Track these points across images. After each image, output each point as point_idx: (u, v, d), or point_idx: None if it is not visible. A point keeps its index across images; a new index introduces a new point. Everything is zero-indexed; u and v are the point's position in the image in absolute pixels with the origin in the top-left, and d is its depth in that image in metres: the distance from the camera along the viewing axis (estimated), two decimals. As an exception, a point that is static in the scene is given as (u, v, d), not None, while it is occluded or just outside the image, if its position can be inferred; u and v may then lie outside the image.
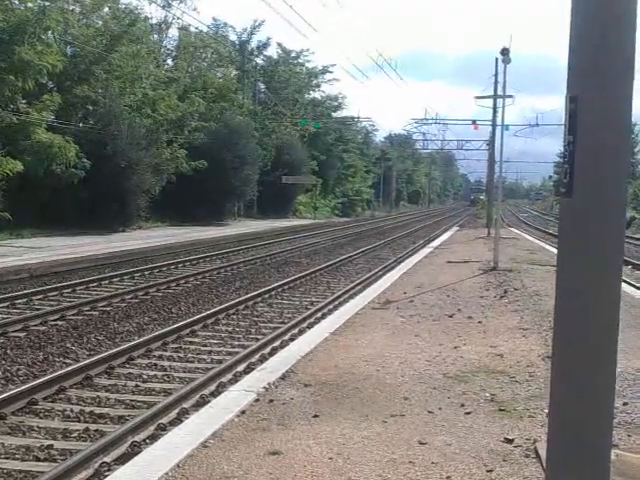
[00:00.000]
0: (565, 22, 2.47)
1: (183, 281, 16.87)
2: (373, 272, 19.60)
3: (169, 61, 47.26)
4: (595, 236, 2.41)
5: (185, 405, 7.30)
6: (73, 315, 12.24)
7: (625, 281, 15.24)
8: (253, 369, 7.95)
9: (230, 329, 11.65)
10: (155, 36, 44.69)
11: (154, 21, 43.50)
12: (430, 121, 53.04)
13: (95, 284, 16.04)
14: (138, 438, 6.26)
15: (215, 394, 7.41)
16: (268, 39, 58.93)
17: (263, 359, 8.96)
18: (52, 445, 6.15)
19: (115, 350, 9.43)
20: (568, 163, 2.44)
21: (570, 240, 2.51)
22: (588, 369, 2.53)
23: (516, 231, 39.43)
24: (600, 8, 2.35)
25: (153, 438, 6.14)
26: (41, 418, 7.03)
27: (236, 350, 10.04)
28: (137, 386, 8.22)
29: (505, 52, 19.93)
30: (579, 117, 2.40)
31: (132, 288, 15.29)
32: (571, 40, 2.44)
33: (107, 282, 16.47)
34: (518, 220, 68.03)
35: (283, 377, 6.55)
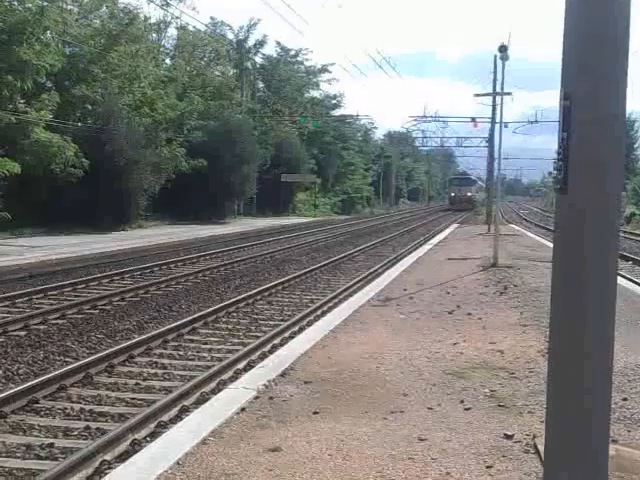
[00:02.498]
0: (561, 18, 2.48)
1: (183, 279, 16.87)
2: (373, 269, 19.59)
3: (168, 60, 47.30)
4: (590, 231, 2.42)
5: (185, 403, 7.30)
6: (73, 314, 12.24)
7: (625, 277, 15.26)
8: (253, 366, 7.95)
9: (230, 327, 11.65)
10: (154, 35, 44.73)
11: (153, 20, 43.61)
12: (429, 119, 53.02)
13: (95, 283, 16.04)
14: (138, 436, 6.27)
15: (215, 391, 7.41)
16: (265, 36, 58.99)
17: (263, 356, 8.97)
18: (53, 443, 6.15)
19: (115, 348, 9.43)
20: (563, 159, 2.45)
21: (566, 235, 2.52)
22: (585, 364, 2.54)
23: (516, 228, 39.46)
24: (593, 6, 2.36)
25: (153, 436, 6.14)
26: (42, 416, 7.03)
27: (236, 348, 10.04)
28: (137, 384, 8.23)
29: (503, 49, 19.93)
30: (573, 114, 2.41)
31: (132, 286, 15.29)
32: (565, 37, 2.45)
33: (107, 281, 16.47)
34: (518, 217, 68.06)
35: (283, 374, 6.56)
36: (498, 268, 16.49)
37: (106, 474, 5.38)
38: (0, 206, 24.57)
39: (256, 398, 5.79)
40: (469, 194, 77.22)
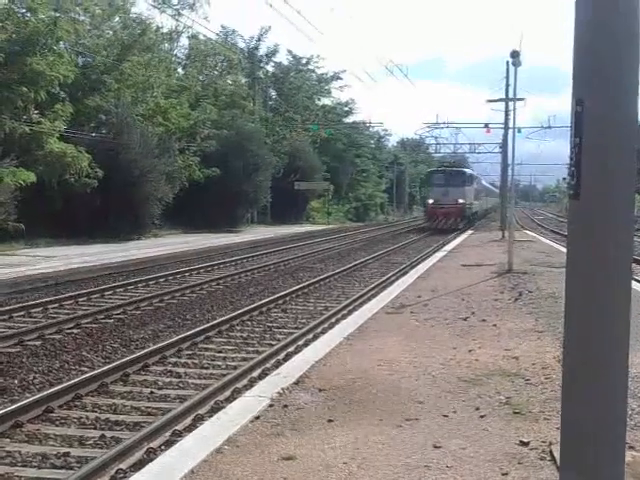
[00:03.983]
0: (572, 24, 2.47)
1: (197, 288, 16.91)
2: (387, 276, 19.56)
3: (180, 69, 47.55)
4: (603, 237, 2.40)
5: (200, 411, 7.31)
6: (88, 323, 12.29)
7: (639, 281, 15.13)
8: (268, 375, 7.95)
9: (245, 335, 11.66)
10: (166, 45, 44.99)
11: (165, 30, 43.86)
12: (442, 125, 52.78)
13: (110, 292, 16.11)
14: (153, 444, 6.28)
15: (230, 400, 7.41)
16: (276, 45, 59.25)
17: (278, 364, 8.96)
18: (68, 452, 6.17)
19: (130, 357, 9.46)
20: (575, 165, 2.44)
21: (579, 241, 2.50)
22: (599, 370, 2.52)
23: (531, 233, 39.28)
24: (603, 12, 2.36)
25: (168, 444, 6.14)
26: (57, 426, 7.06)
27: (251, 356, 10.04)
28: (152, 393, 8.24)
29: (515, 55, 19.88)
30: (585, 119, 2.40)
31: (147, 295, 15.34)
32: (576, 42, 2.44)
33: (122, 290, 16.54)
34: (533, 222, 67.75)
35: (297, 382, 6.54)
36: (513, 274, 16.41)
37: (121, 483, 5.40)
38: (15, 216, 24.74)
39: (270, 406, 5.79)
40: (461, 200, 44.18)
